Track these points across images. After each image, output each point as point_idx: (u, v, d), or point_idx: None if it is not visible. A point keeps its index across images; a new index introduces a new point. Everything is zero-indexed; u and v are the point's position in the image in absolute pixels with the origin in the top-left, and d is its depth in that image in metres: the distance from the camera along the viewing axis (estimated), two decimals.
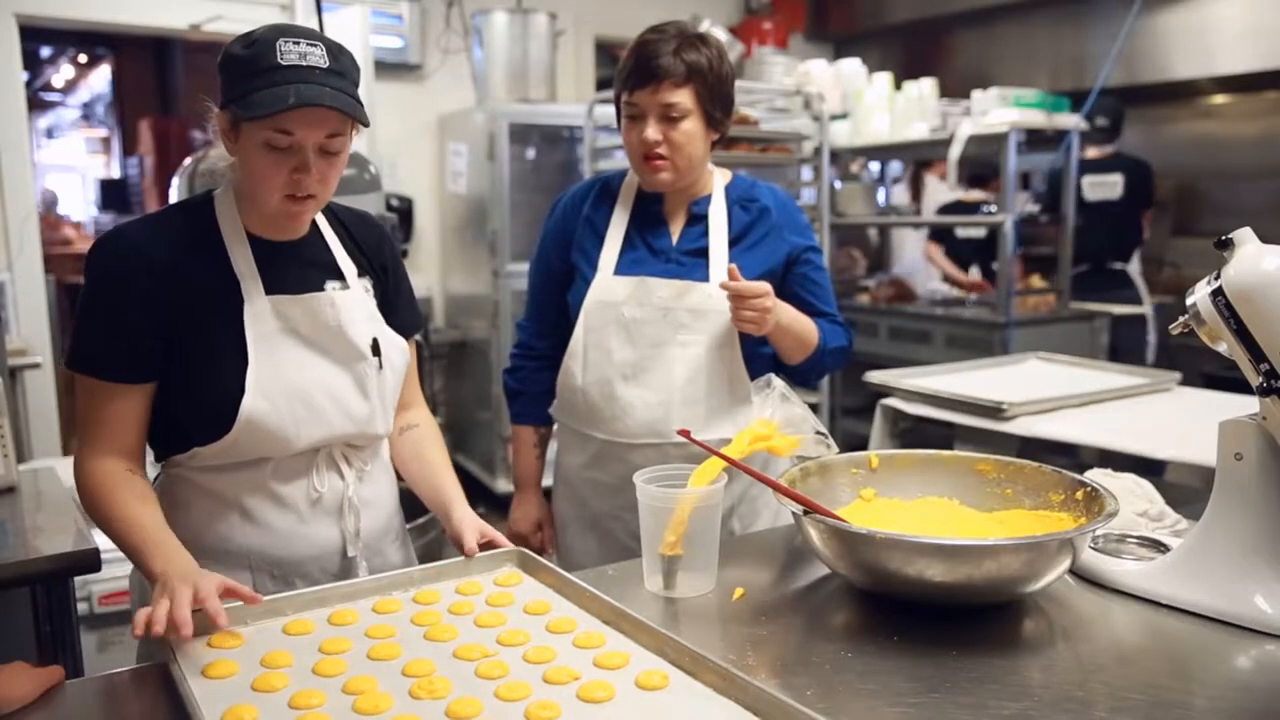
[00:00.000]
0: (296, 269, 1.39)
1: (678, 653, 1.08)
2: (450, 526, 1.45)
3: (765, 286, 1.63)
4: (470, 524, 1.43)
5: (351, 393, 1.40)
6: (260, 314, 1.34)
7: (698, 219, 1.79)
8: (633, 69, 1.69)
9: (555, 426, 1.94)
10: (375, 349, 1.43)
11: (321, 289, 1.40)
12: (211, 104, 1.34)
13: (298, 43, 1.26)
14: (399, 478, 1.59)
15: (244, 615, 1.20)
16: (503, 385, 1.98)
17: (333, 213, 1.50)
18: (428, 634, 1.18)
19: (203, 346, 1.33)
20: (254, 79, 1.24)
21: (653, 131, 1.68)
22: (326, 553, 1.42)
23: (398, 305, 1.53)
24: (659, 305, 1.74)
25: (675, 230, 1.80)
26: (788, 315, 1.71)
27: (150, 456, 1.41)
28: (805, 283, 1.83)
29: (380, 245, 1.53)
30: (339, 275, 1.43)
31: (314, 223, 1.45)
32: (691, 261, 1.77)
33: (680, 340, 1.74)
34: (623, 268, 1.78)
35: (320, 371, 1.38)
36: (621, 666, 1.08)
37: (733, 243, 1.78)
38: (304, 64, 1.26)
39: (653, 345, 1.74)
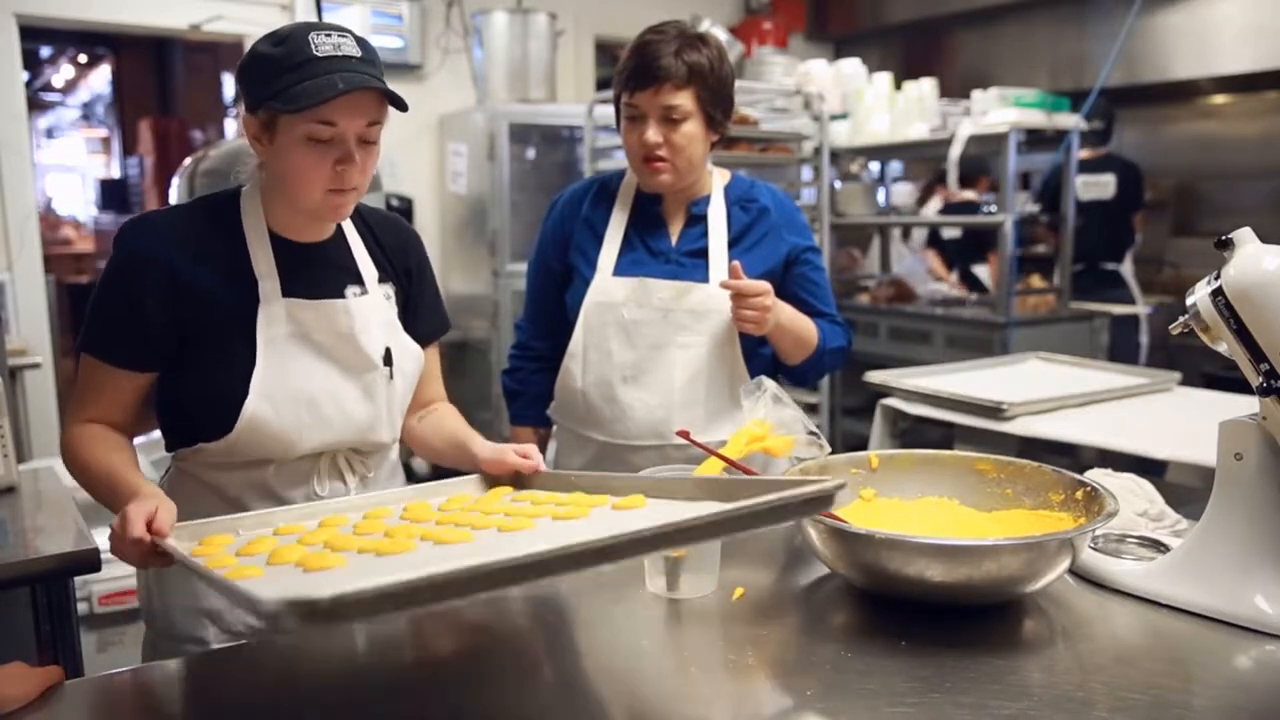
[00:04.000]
0: (317, 272, 1.39)
1: (657, 488, 1.14)
2: (479, 460, 1.42)
3: (765, 285, 1.63)
4: (502, 447, 1.40)
5: (358, 400, 1.40)
6: (274, 317, 1.34)
7: (697, 219, 1.79)
8: (633, 70, 1.67)
9: (554, 428, 1.94)
10: (387, 359, 1.43)
11: (340, 293, 1.39)
12: (237, 112, 1.34)
13: (329, 34, 1.26)
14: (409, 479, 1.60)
15: (235, 525, 1.21)
16: (501, 386, 1.98)
17: (360, 215, 1.49)
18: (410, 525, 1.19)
19: (213, 343, 1.33)
20: (291, 73, 1.23)
21: (653, 134, 1.67)
22: None
23: (420, 311, 1.53)
24: (659, 306, 1.73)
25: (674, 231, 1.80)
26: (787, 315, 1.71)
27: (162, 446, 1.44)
28: (804, 283, 1.82)
29: (406, 250, 1.52)
30: (359, 280, 1.43)
31: (338, 225, 1.44)
32: (691, 262, 1.77)
33: (680, 342, 1.74)
34: (622, 269, 1.78)
35: (327, 378, 1.38)
36: (600, 505, 1.14)
37: (732, 243, 1.78)
38: (339, 54, 1.26)
39: (652, 347, 1.74)
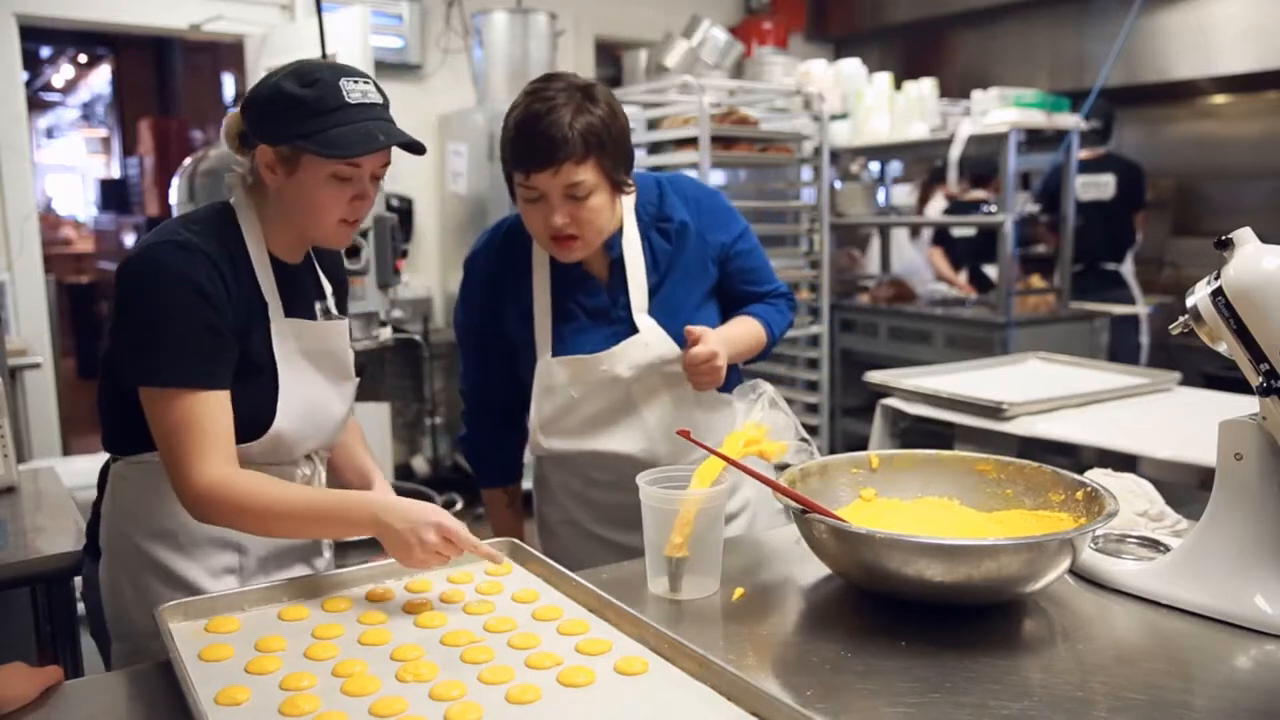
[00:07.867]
0: (300, 291, 1.46)
1: (657, 640, 1.11)
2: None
3: (713, 350, 1.57)
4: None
5: (339, 408, 1.49)
6: (284, 336, 1.40)
7: (618, 262, 1.70)
8: (525, 150, 1.52)
9: (533, 472, 1.86)
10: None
11: (313, 308, 1.47)
12: (255, 141, 1.35)
13: (357, 81, 1.33)
14: None
15: (240, 602, 1.24)
16: (462, 450, 1.90)
17: None
18: (418, 620, 1.22)
19: (238, 361, 1.35)
20: (325, 117, 1.30)
21: (559, 216, 1.54)
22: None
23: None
24: (603, 377, 1.67)
25: (602, 276, 1.71)
26: (737, 345, 1.68)
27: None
28: (742, 274, 1.77)
29: (338, 261, 1.60)
30: (324, 295, 1.51)
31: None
32: (629, 311, 1.69)
33: (640, 389, 1.68)
34: (563, 343, 1.68)
35: (324, 392, 1.46)
36: (603, 653, 1.12)
37: (664, 278, 1.70)
38: (367, 101, 1.33)
39: (615, 403, 1.69)
